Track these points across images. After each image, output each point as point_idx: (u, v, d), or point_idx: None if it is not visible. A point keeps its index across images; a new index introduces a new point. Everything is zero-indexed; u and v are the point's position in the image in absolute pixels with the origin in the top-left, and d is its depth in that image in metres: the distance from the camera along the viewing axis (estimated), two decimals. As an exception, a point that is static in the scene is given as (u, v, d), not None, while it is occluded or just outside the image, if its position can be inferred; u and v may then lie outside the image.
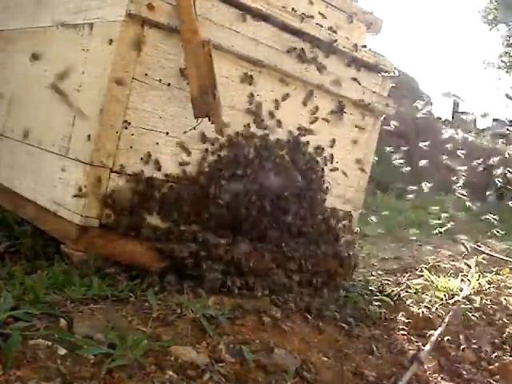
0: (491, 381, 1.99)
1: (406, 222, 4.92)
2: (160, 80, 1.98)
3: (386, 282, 3.01)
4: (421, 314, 2.36)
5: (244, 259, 2.13)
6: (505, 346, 2.28)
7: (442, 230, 4.55)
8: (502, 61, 19.10)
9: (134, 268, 1.96)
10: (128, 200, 1.95)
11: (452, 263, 3.61)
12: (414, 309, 2.44)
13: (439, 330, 2.24)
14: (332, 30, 2.39)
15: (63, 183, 2.00)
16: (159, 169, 2.02)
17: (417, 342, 2.16)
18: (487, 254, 3.97)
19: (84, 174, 1.89)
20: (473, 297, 2.70)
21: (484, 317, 2.51)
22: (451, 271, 3.21)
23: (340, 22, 2.56)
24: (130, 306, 1.68)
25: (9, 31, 2.65)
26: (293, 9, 2.29)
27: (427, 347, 2.08)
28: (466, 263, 3.48)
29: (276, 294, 2.11)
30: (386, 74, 2.67)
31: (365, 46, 2.57)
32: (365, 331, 2.10)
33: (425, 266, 3.39)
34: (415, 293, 2.73)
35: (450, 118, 14.56)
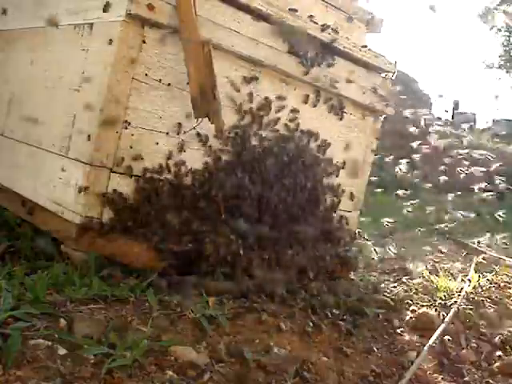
0: (491, 381, 1.99)
1: (406, 221, 4.92)
2: (160, 80, 1.98)
3: (386, 281, 3.01)
4: (421, 314, 2.35)
5: (243, 258, 2.13)
6: (505, 346, 2.28)
7: (442, 230, 4.55)
8: (501, 61, 19.11)
9: (134, 268, 1.96)
10: (128, 200, 1.95)
11: (452, 263, 3.61)
12: (414, 309, 2.44)
13: (439, 329, 2.24)
14: (332, 30, 2.39)
15: (63, 183, 2.00)
16: (159, 169, 2.02)
17: (417, 342, 2.16)
18: (487, 254, 3.96)
19: (84, 174, 1.89)
20: (473, 297, 2.70)
21: (484, 317, 2.51)
22: (451, 271, 3.21)
23: (340, 21, 2.56)
24: (129, 305, 1.68)
25: (9, 31, 2.64)
26: (293, 9, 2.29)
27: (427, 347, 2.08)
28: (465, 263, 3.48)
29: (276, 294, 2.11)
30: (386, 74, 2.67)
31: (365, 46, 2.57)
32: (365, 331, 2.10)
33: (425, 265, 3.39)
34: (415, 293, 2.73)
35: (450, 118, 14.56)
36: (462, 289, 2.77)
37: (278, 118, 2.31)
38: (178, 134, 2.05)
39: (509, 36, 18.97)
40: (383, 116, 2.76)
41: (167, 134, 2.03)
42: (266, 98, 2.26)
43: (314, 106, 2.45)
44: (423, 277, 3.00)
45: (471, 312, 2.50)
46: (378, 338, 2.11)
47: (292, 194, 2.35)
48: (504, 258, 3.92)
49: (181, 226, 2.05)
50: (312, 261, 2.37)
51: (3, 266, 1.94)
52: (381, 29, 2.81)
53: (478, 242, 4.35)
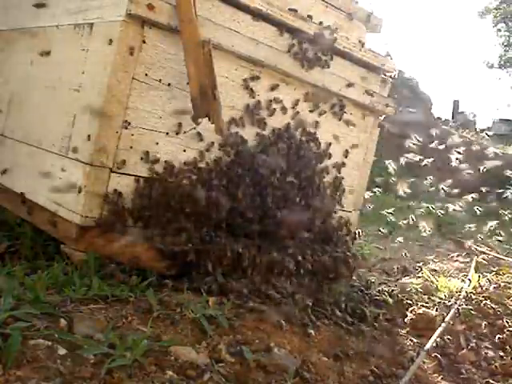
0: (491, 381, 1.99)
1: (406, 221, 4.93)
2: (160, 80, 1.98)
3: (386, 281, 3.01)
4: (421, 314, 2.35)
5: (244, 258, 2.13)
6: (505, 346, 2.28)
7: (442, 230, 4.55)
8: (501, 61, 19.11)
9: (134, 268, 1.96)
10: (128, 200, 1.95)
11: (452, 263, 3.61)
12: (414, 309, 2.44)
13: (439, 329, 2.24)
14: (332, 30, 2.39)
15: (63, 183, 2.00)
16: (159, 169, 2.02)
17: (417, 341, 2.16)
18: (487, 254, 3.97)
19: (84, 174, 1.89)
20: (473, 297, 2.70)
21: (484, 317, 2.51)
22: (451, 271, 3.21)
23: (340, 21, 2.56)
24: (129, 305, 1.68)
25: (9, 31, 2.64)
26: (293, 9, 2.29)
27: (427, 347, 2.08)
28: (465, 263, 3.48)
29: (276, 294, 2.11)
30: (386, 74, 2.67)
31: (365, 46, 2.56)
32: (365, 331, 2.10)
33: (425, 265, 3.39)
34: (415, 293, 2.73)
35: (450, 118, 14.57)
36: (461, 289, 2.76)
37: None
38: (177, 134, 2.05)
39: (509, 36, 18.96)
40: (383, 116, 2.76)
41: (167, 134, 2.03)
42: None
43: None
44: (423, 277, 3.00)
45: (471, 312, 2.50)
46: (377, 338, 2.11)
47: (291, 193, 2.34)
48: (504, 257, 3.93)
49: (181, 225, 2.05)
50: (312, 260, 2.37)
51: (3, 266, 1.94)
52: (381, 29, 2.81)
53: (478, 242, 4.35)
